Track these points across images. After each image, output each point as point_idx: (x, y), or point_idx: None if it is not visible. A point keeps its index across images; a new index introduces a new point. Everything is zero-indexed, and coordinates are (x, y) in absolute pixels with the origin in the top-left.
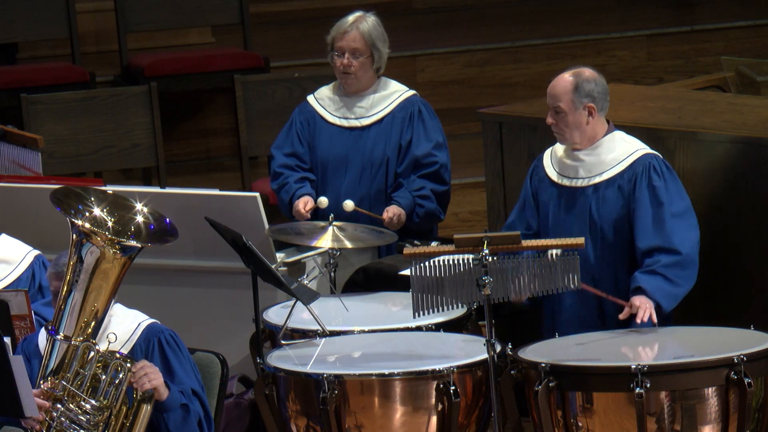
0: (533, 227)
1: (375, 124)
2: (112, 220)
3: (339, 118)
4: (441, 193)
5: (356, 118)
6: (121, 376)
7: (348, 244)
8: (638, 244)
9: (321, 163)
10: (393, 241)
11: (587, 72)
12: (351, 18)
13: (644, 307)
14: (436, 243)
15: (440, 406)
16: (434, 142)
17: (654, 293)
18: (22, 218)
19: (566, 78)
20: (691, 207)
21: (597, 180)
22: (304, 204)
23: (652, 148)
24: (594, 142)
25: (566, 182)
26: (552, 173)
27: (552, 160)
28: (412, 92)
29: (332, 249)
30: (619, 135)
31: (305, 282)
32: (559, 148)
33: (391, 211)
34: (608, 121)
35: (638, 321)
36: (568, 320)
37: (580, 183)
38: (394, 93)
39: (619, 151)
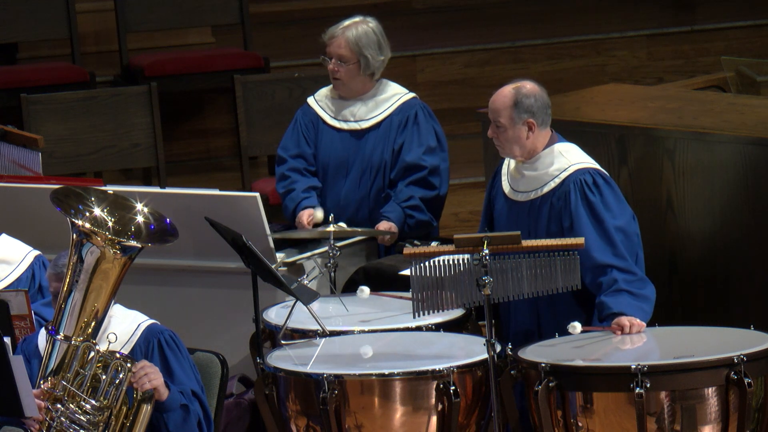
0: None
1: (373, 127)
2: (112, 220)
3: (339, 120)
4: (431, 198)
5: (356, 121)
6: (121, 376)
7: (348, 232)
8: (593, 256)
9: (322, 166)
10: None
11: (528, 86)
12: (345, 23)
13: (635, 323)
14: (436, 243)
15: (440, 406)
16: (425, 146)
17: (630, 312)
18: (22, 218)
19: (506, 93)
20: (632, 217)
21: (533, 196)
22: (308, 216)
23: (652, 148)
24: (534, 155)
25: (512, 196)
26: (505, 185)
27: (507, 170)
28: (411, 95)
29: (332, 248)
30: (558, 149)
31: (305, 282)
32: (512, 160)
33: (382, 227)
34: (553, 133)
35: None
36: (517, 332)
37: (521, 198)
38: (393, 96)
39: (554, 166)
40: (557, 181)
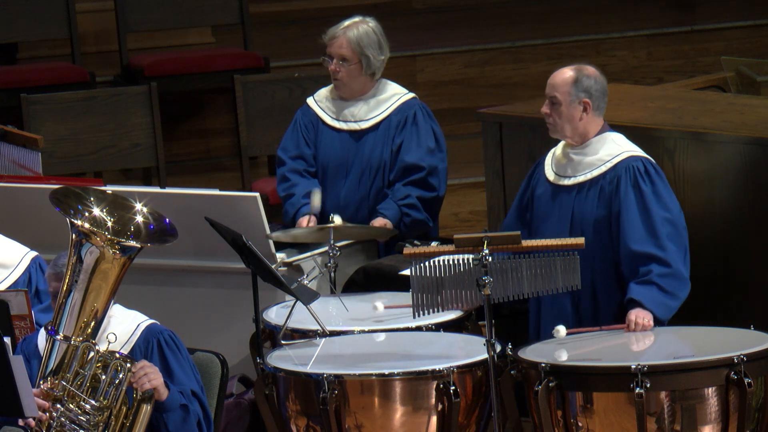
0: (512, 227)
1: (372, 128)
2: (112, 220)
3: (338, 121)
4: (429, 199)
5: (355, 122)
6: (120, 376)
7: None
8: (632, 246)
9: (321, 167)
10: (393, 234)
11: (589, 69)
12: (346, 23)
13: (641, 324)
14: (436, 243)
15: (440, 406)
16: (424, 147)
17: (648, 303)
18: (21, 218)
19: (567, 71)
20: (680, 210)
21: (581, 179)
22: (307, 222)
23: (652, 148)
24: (585, 140)
25: (557, 181)
26: (548, 170)
27: (551, 157)
28: (410, 95)
29: (332, 248)
30: (610, 136)
31: (305, 282)
32: (559, 148)
33: (378, 224)
34: (605, 122)
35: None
36: (548, 318)
37: (566, 181)
38: (392, 96)
39: (606, 151)
40: (608, 165)
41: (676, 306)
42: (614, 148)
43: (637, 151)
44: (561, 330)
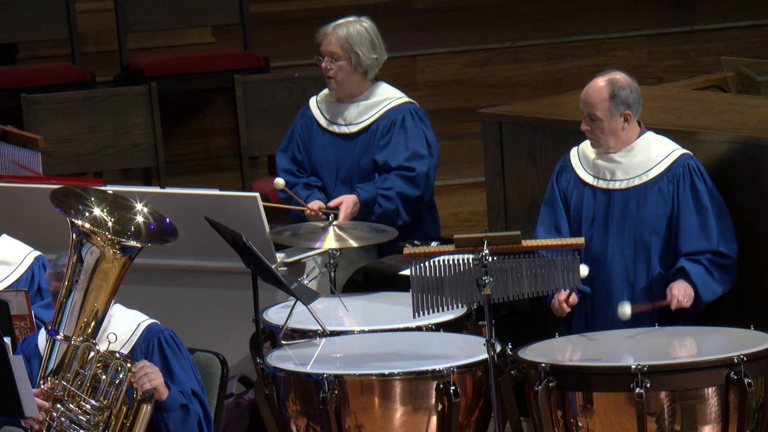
0: (561, 228)
1: (362, 132)
2: (112, 220)
3: (330, 123)
4: (411, 197)
5: (345, 125)
6: (121, 376)
7: (352, 243)
8: (681, 248)
9: (314, 169)
10: (394, 236)
11: (621, 79)
12: (338, 21)
13: (679, 300)
14: (436, 243)
15: (440, 406)
16: (412, 150)
17: (695, 277)
18: (22, 218)
19: (601, 86)
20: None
21: (636, 182)
22: (318, 205)
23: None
24: (627, 145)
25: (602, 184)
26: (584, 175)
27: (582, 161)
28: (403, 100)
29: (333, 250)
30: (651, 136)
31: (305, 282)
32: (587, 149)
33: (349, 200)
34: (639, 123)
35: (672, 308)
36: (600, 319)
37: (617, 185)
38: (384, 100)
39: (656, 152)
40: (664, 165)
41: (719, 292)
42: (663, 148)
43: (681, 148)
44: (626, 307)
